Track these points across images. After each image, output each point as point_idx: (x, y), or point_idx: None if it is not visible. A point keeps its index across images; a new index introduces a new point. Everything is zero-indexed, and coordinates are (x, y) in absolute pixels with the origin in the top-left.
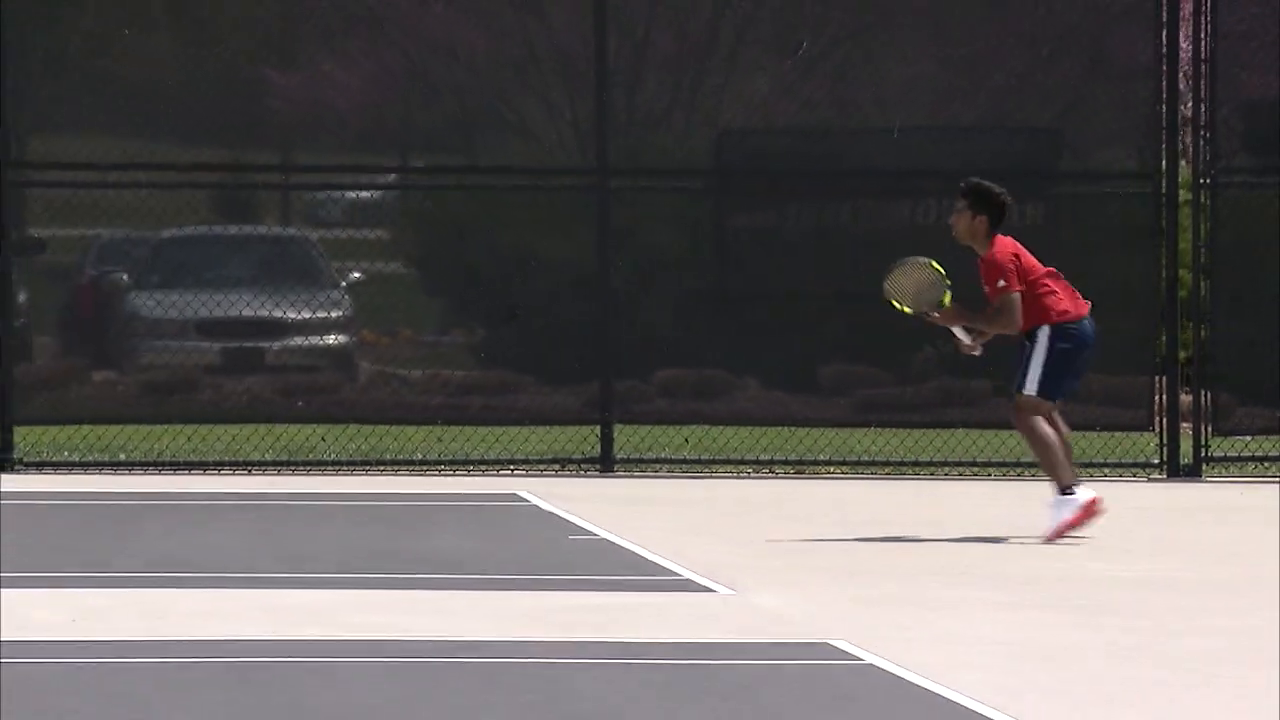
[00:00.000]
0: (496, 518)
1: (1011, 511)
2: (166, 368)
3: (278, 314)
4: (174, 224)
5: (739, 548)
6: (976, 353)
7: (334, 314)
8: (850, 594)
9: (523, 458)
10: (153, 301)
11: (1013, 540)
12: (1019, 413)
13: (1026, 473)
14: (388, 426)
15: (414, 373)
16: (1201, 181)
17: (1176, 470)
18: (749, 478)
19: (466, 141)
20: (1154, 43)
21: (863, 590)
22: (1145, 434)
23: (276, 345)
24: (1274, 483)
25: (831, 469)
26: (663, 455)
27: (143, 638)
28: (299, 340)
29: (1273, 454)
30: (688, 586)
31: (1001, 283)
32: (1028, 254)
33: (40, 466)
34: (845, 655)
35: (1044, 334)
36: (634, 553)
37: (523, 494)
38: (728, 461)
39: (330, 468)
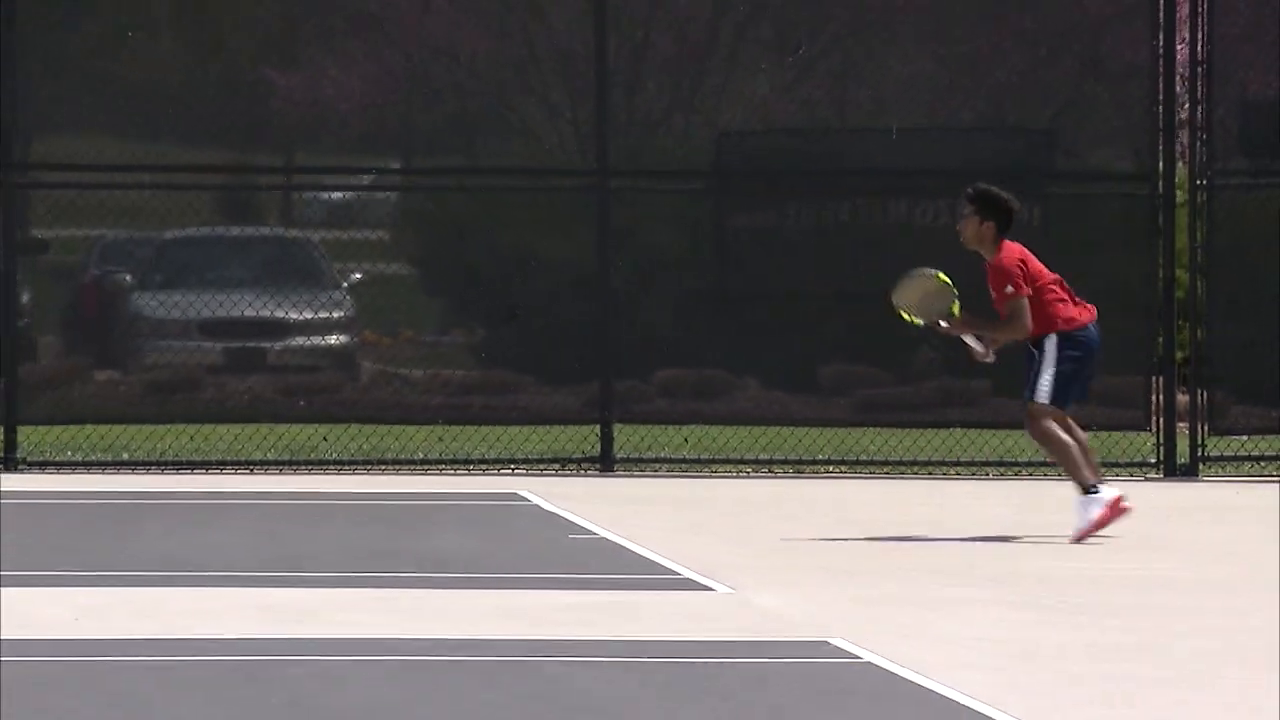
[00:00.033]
0: (497, 517)
1: (1011, 511)
2: (169, 367)
3: (280, 314)
4: (177, 225)
5: (739, 547)
6: (990, 360)
7: (335, 314)
8: (849, 593)
9: (523, 457)
10: (155, 302)
11: (1012, 540)
12: (1032, 421)
13: (1025, 472)
14: (389, 426)
15: (415, 373)
16: (1198, 182)
17: (1173, 470)
18: (749, 477)
19: (467, 142)
20: (1151, 44)
21: (862, 589)
22: (1142, 434)
23: (278, 345)
24: (1270, 482)
25: (831, 469)
26: (663, 455)
27: (144, 636)
28: (301, 340)
29: (1269, 454)
30: (687, 585)
31: (1009, 289)
32: (1034, 260)
33: (43, 466)
34: (844, 654)
35: (1052, 342)
36: (634, 552)
37: (523, 493)
38: (727, 461)
39: (332, 467)
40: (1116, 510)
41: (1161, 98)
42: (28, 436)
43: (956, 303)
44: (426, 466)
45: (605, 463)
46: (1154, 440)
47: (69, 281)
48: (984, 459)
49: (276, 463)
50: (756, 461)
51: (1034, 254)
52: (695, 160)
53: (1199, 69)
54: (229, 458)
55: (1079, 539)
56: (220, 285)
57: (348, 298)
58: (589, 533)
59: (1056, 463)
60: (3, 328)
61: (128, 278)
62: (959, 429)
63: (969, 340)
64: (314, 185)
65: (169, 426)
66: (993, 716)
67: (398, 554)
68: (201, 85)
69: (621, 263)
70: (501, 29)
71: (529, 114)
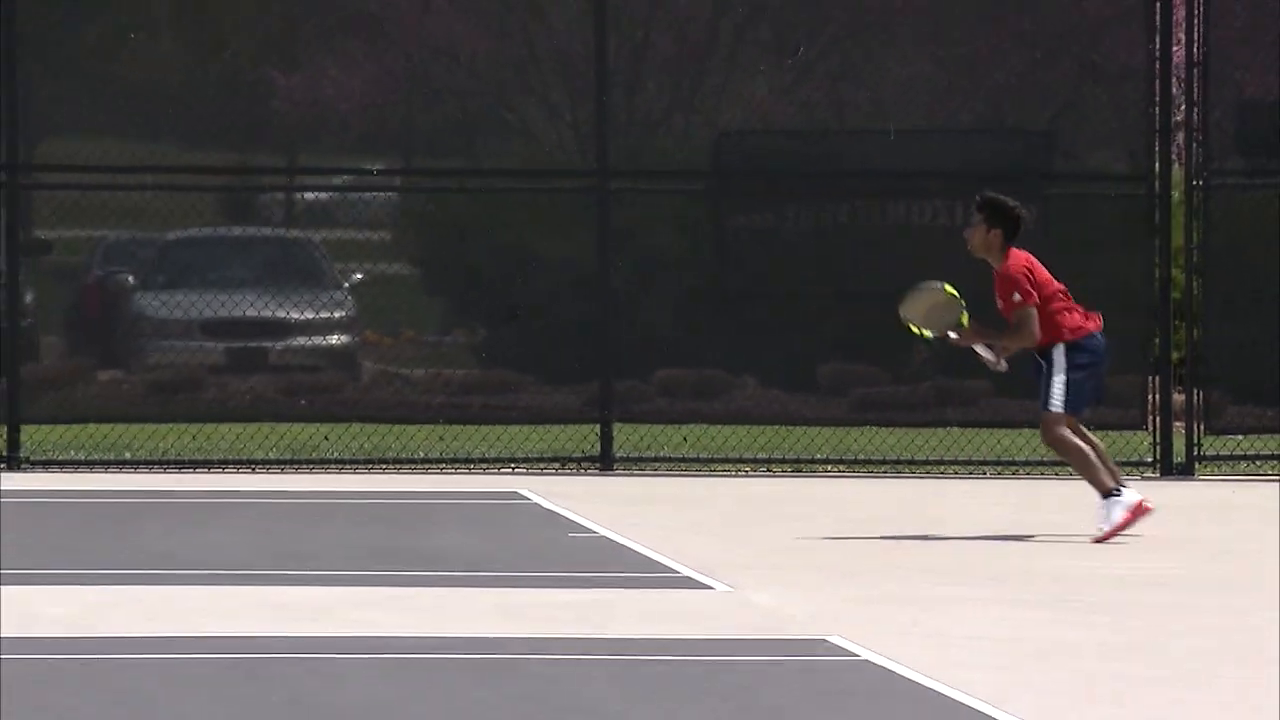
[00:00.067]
0: (497, 516)
1: (1008, 510)
2: (171, 367)
3: (281, 314)
4: (179, 225)
5: (737, 545)
6: (1002, 368)
7: (337, 314)
8: (848, 591)
9: (523, 456)
10: (158, 302)
11: (1010, 538)
12: (1046, 429)
13: (1022, 471)
14: (390, 425)
15: (416, 372)
16: (1194, 183)
17: (1169, 469)
18: (748, 476)
19: (468, 143)
20: (1147, 47)
21: (860, 588)
22: (1139, 433)
23: (280, 345)
24: (1266, 481)
25: (829, 467)
26: (662, 454)
27: (146, 634)
28: (302, 340)
29: (1265, 453)
30: (686, 584)
31: (1017, 297)
32: (1041, 268)
33: (46, 465)
34: (842, 652)
35: (1059, 351)
36: (633, 550)
37: (523, 492)
38: (727, 460)
39: (333, 466)
40: (1139, 512)
41: (1158, 99)
42: (31, 436)
43: (965, 313)
44: (427, 465)
45: (605, 462)
46: (1150, 439)
47: (72, 282)
48: (981, 458)
49: (278, 462)
50: (755, 460)
51: (1033, 255)
52: (695, 161)
53: (1195, 71)
54: (231, 457)
55: (1102, 540)
56: (222, 285)
57: (349, 298)
58: (589, 531)
59: (1075, 470)
60: (7, 328)
61: (130, 278)
62: (957, 428)
63: (980, 350)
64: (315, 186)
65: (171, 426)
66: (990, 714)
67: (399, 552)
68: (203, 86)
69: (621, 263)
70: (501, 30)
71: (529, 114)
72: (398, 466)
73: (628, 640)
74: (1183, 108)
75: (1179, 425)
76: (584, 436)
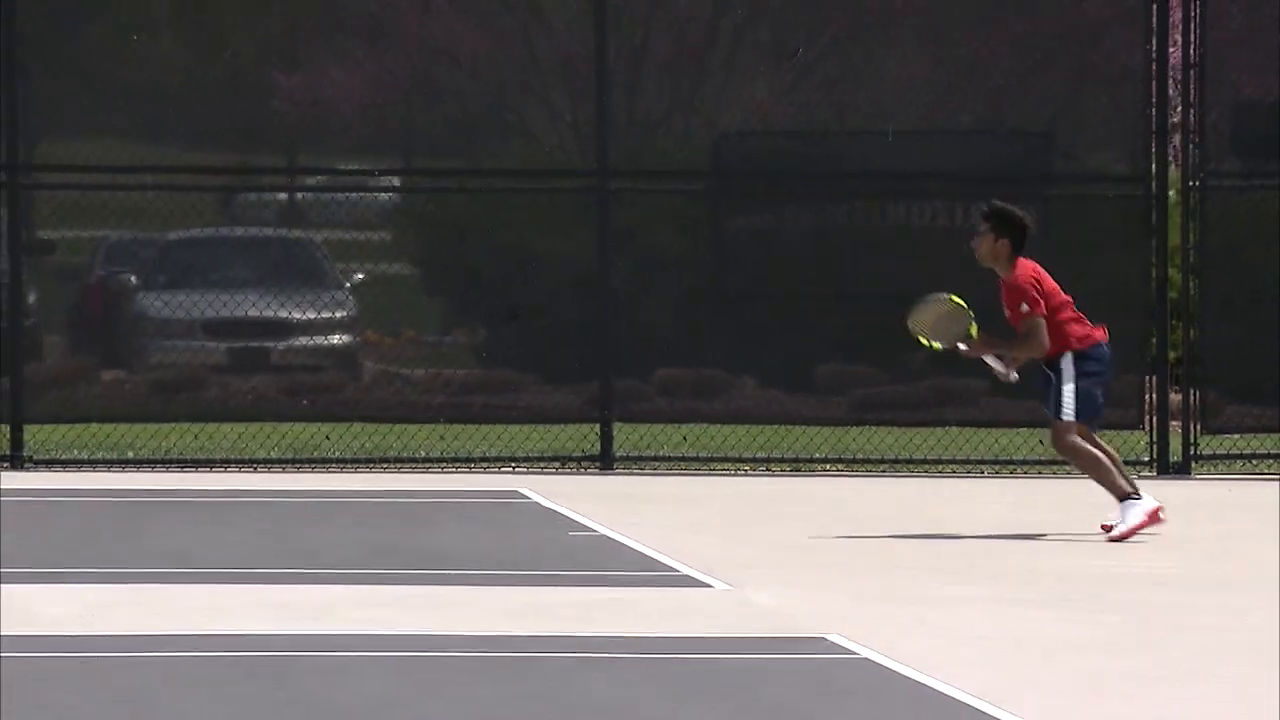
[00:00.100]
0: (498, 514)
1: (1006, 509)
2: (173, 367)
3: (283, 314)
4: (181, 225)
5: (737, 544)
6: (1013, 379)
7: (338, 314)
8: (847, 590)
9: (524, 455)
10: (160, 302)
11: (1008, 537)
12: (1058, 438)
13: (1020, 470)
14: (391, 425)
15: (417, 372)
16: (1190, 184)
17: (1166, 468)
18: (747, 475)
19: (468, 144)
20: (1144, 49)
21: (859, 586)
22: (1135, 432)
23: (282, 345)
24: (1262, 480)
25: (828, 467)
26: (662, 453)
27: (149, 632)
28: (304, 340)
29: (1260, 452)
30: (686, 582)
31: (1025, 307)
32: (1048, 278)
33: (50, 464)
34: (842, 650)
35: (1068, 360)
36: (633, 549)
37: (524, 491)
38: (726, 459)
39: (335, 466)
40: (1154, 519)
41: (1155, 101)
42: (34, 435)
43: (973, 324)
44: (428, 465)
45: (605, 461)
46: (1147, 439)
47: (74, 282)
48: (979, 457)
49: (280, 461)
50: (755, 460)
51: (1031, 255)
52: (694, 161)
53: (1191, 72)
54: (233, 456)
55: (1118, 540)
56: (224, 285)
57: (350, 298)
58: (589, 530)
59: (1090, 476)
60: (9, 328)
61: (132, 278)
62: (955, 427)
63: (990, 361)
64: (316, 187)
65: (173, 425)
66: (989, 712)
67: (400, 551)
68: (204, 86)
69: (621, 263)
70: (502, 31)
71: (529, 115)
72: (399, 466)
73: (628, 638)
74: (1179, 109)
75: (1175, 425)
76: (584, 436)
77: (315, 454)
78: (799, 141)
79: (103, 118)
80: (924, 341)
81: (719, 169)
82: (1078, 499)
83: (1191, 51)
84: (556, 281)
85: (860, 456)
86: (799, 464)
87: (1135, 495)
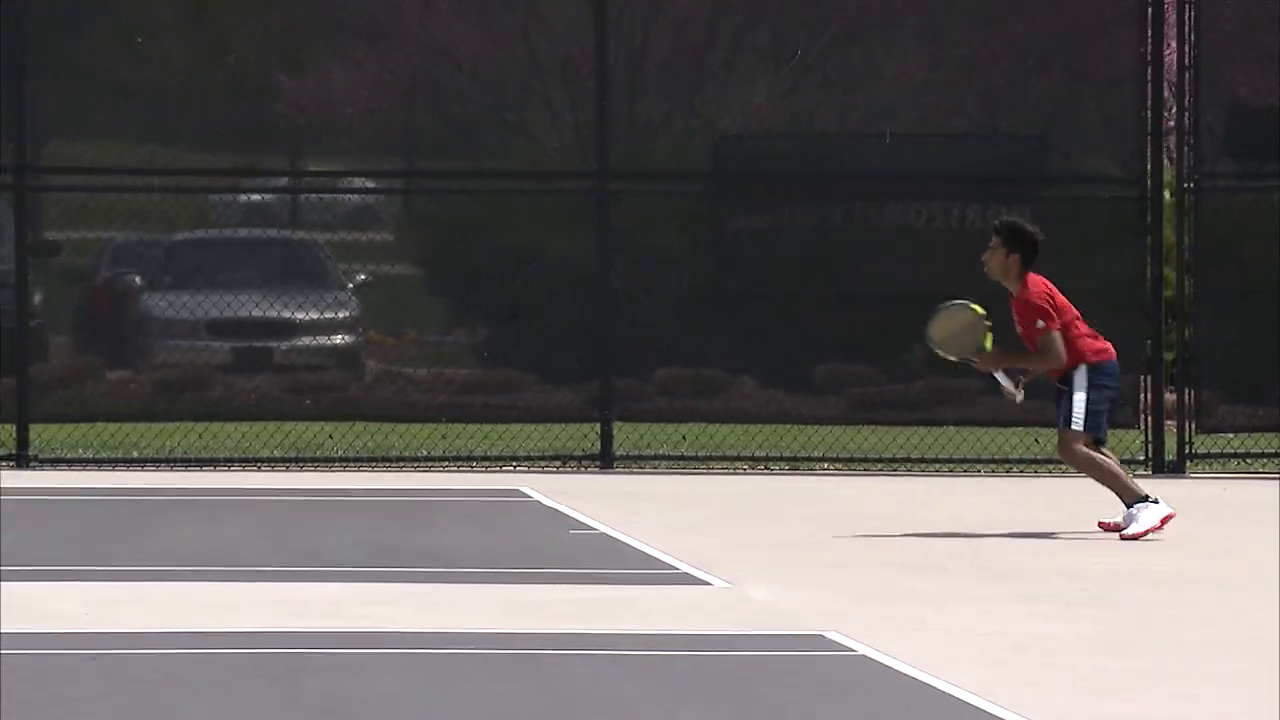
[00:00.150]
0: (499, 513)
1: (1003, 507)
2: (178, 367)
3: (286, 314)
4: (185, 227)
5: (735, 542)
6: (1019, 399)
7: (341, 314)
8: (844, 587)
9: (524, 454)
10: (165, 302)
11: (1005, 535)
12: (1066, 447)
13: (1017, 469)
14: (393, 424)
15: (419, 372)
16: (1185, 185)
17: (1161, 467)
18: (745, 474)
19: (470, 146)
20: (1139, 51)
21: (856, 583)
22: (1131, 431)
23: (285, 345)
24: (1257, 479)
25: (826, 465)
26: (661, 452)
27: (155, 630)
28: (307, 340)
29: (1255, 451)
30: (685, 580)
31: (1040, 323)
32: (1059, 294)
33: (55, 463)
34: (839, 647)
35: (1081, 373)
36: (633, 547)
37: (525, 490)
38: (725, 458)
39: (337, 464)
40: (1164, 523)
41: (1150, 103)
42: (39, 434)
43: (989, 335)
44: (430, 464)
45: (605, 460)
46: (1142, 438)
47: (80, 283)
48: (976, 456)
49: (283, 460)
50: (753, 458)
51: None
52: (694, 163)
53: (1186, 75)
54: (237, 455)
55: (1130, 538)
56: (228, 286)
57: (353, 298)
58: (589, 528)
59: (1101, 483)
60: (15, 328)
61: (137, 279)
62: (952, 426)
63: (1001, 378)
64: (320, 188)
65: (178, 424)
66: (986, 709)
67: (402, 549)
68: (208, 89)
69: (621, 263)
70: (504, 35)
71: (530, 118)
72: (401, 465)
73: (627, 635)
74: (1174, 111)
75: (1170, 424)
76: (584, 435)
77: (318, 453)
78: (797, 143)
79: (108, 120)
80: (941, 354)
81: (718, 170)
82: (1075, 498)
83: (1187, 54)
84: (557, 282)
85: (859, 456)
86: (798, 463)
87: (1149, 497)
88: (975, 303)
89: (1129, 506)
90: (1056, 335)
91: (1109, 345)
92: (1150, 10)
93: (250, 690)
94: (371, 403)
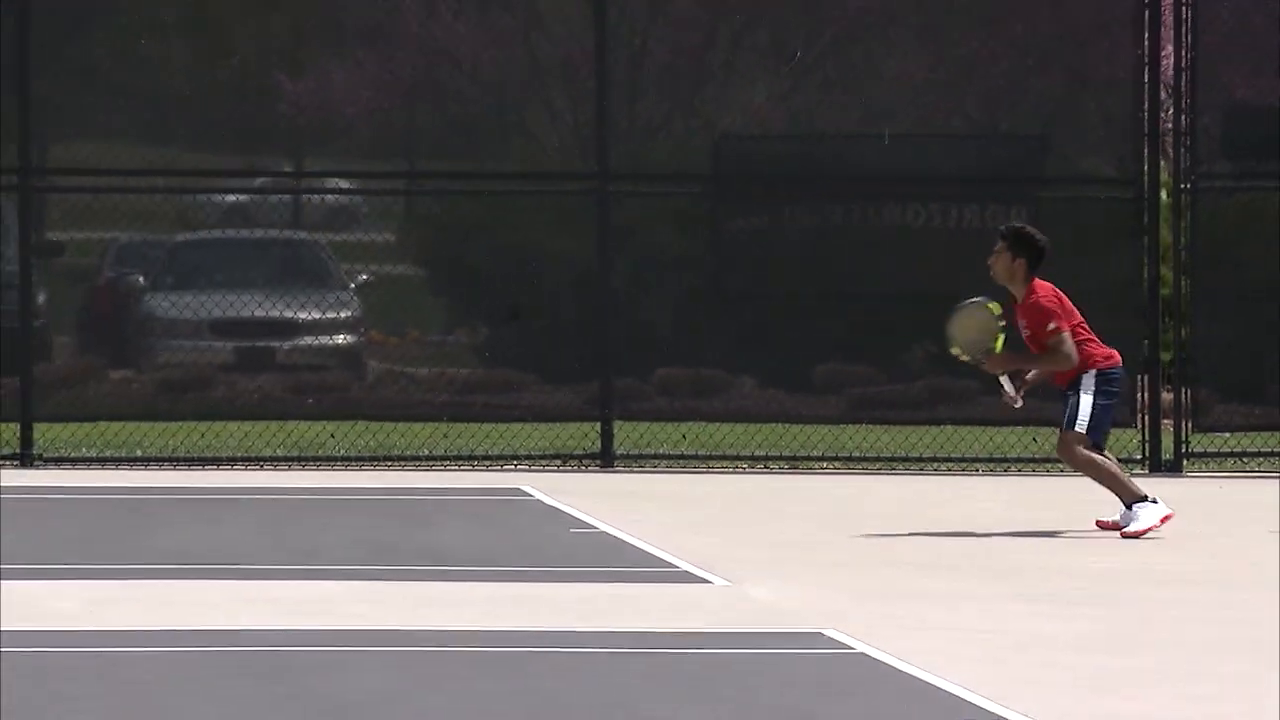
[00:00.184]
0: (500, 512)
1: (1001, 506)
2: (181, 366)
3: (289, 314)
4: (188, 227)
5: (735, 541)
6: (1018, 405)
7: (343, 314)
8: (843, 586)
9: (525, 453)
10: (168, 302)
11: (1003, 534)
12: (1068, 449)
13: (1014, 468)
14: (395, 423)
15: (420, 371)
16: (1182, 186)
17: (1158, 466)
18: (745, 473)
19: (471, 146)
20: (1136, 53)
21: (856, 582)
22: (1128, 430)
23: (287, 345)
24: (1253, 478)
25: (825, 465)
26: (661, 451)
27: (155, 627)
28: (309, 340)
29: (1251, 450)
30: (685, 578)
31: (1052, 325)
32: (1066, 299)
33: (58, 462)
34: (839, 645)
35: (1089, 377)
36: (633, 546)
37: (526, 489)
38: (724, 457)
39: (339, 463)
40: (1163, 523)
41: (1147, 104)
42: (43, 433)
43: (1000, 337)
44: (431, 462)
45: (605, 459)
46: (1139, 437)
47: (84, 283)
48: (974, 455)
49: (285, 459)
50: (753, 458)
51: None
52: (694, 164)
53: (1183, 76)
54: (239, 454)
55: (1132, 537)
56: (230, 286)
57: (355, 298)
58: (589, 527)
59: (1101, 484)
60: (19, 328)
61: (140, 279)
62: (950, 426)
63: (1004, 382)
64: (322, 189)
65: (181, 424)
66: (985, 707)
67: (404, 548)
68: (211, 91)
69: (621, 263)
70: (503, 34)
71: (530, 118)
72: (402, 464)
73: (627, 633)
74: (1171, 112)
75: (1167, 423)
76: (585, 434)
77: (320, 452)
78: (796, 144)
79: (112, 122)
80: (955, 353)
81: (718, 171)
82: (1074, 497)
83: (1184, 56)
84: (557, 282)
85: (858, 455)
86: (797, 462)
87: (1148, 497)
88: (992, 301)
89: (1128, 507)
90: (1067, 335)
91: (1115, 352)
92: (1148, 12)
93: (248, 688)
94: (373, 402)
